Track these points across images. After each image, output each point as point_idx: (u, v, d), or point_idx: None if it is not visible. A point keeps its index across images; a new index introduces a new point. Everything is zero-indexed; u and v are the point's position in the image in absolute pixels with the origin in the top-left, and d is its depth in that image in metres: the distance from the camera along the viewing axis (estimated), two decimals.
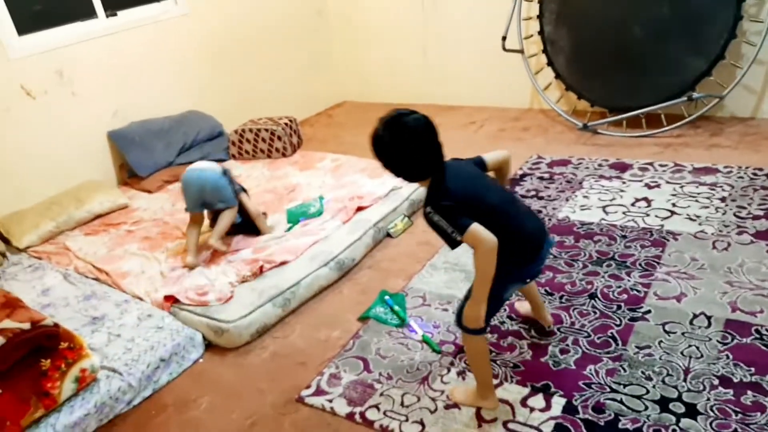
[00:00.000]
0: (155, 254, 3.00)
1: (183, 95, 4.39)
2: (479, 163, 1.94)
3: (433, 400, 2.05)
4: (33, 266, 3.10)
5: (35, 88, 3.58)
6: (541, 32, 4.31)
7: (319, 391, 2.18)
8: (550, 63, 4.33)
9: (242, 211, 3.02)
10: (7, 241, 3.34)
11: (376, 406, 2.06)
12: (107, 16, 3.96)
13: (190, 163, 4.07)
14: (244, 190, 3.08)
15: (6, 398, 2.01)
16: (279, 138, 4.17)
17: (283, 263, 2.77)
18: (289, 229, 3.10)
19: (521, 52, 4.46)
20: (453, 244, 1.76)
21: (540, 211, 3.19)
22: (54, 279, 2.92)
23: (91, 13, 3.88)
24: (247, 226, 3.08)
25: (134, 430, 2.17)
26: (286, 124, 4.25)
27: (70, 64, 3.72)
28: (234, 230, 3.06)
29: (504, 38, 4.43)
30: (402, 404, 2.06)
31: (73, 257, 3.12)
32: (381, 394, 2.11)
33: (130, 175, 4.05)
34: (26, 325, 2.08)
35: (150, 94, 4.19)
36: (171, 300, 2.62)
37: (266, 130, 4.18)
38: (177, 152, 4.07)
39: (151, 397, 2.30)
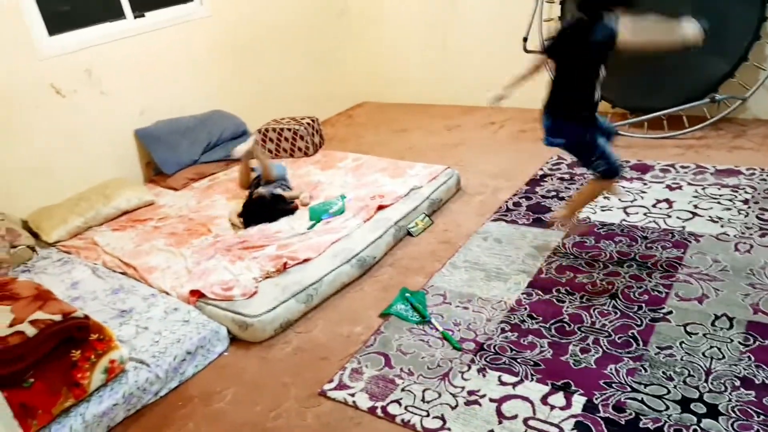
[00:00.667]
0: (181, 250, 3.07)
1: (208, 95, 4.47)
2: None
3: (454, 396, 2.08)
4: (62, 260, 3.18)
5: (65, 86, 3.67)
6: None
7: (341, 386, 2.21)
8: None
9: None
10: (36, 236, 3.42)
11: (398, 401, 2.10)
12: (135, 17, 4.04)
13: (215, 162, 4.17)
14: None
15: (38, 387, 2.07)
16: (301, 137, 4.22)
17: (306, 260, 2.81)
18: (312, 226, 3.14)
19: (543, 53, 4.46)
20: None
21: None
22: (83, 273, 3.00)
23: (119, 14, 3.97)
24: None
25: (161, 421, 2.23)
26: (308, 123, 4.30)
27: (98, 64, 3.81)
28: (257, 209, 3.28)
29: (525, 39, 4.44)
30: (423, 400, 2.09)
31: (101, 252, 3.20)
32: (402, 390, 2.15)
33: (156, 173, 4.13)
34: (57, 317, 2.14)
35: (176, 93, 4.27)
36: (197, 294, 2.68)
37: (289, 129, 4.24)
38: (202, 151, 4.15)
39: (178, 388, 2.36)
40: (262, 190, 3.39)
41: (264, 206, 3.27)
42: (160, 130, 4.04)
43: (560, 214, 2.85)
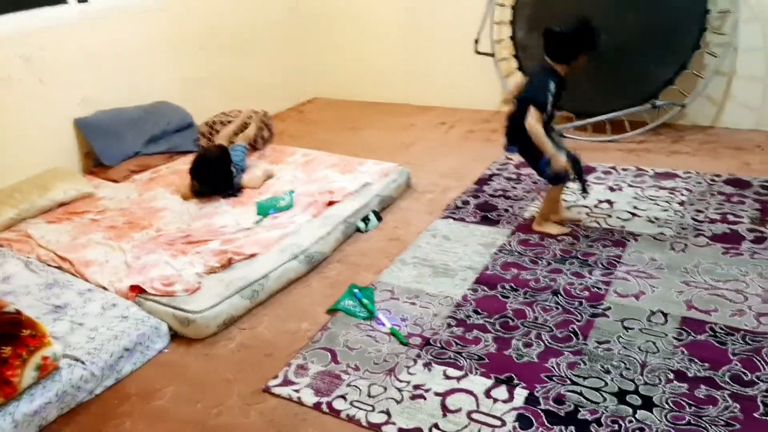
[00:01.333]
0: (121, 244, 2.96)
1: (154, 85, 4.33)
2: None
3: (399, 390, 2.08)
4: None
5: (1, 72, 3.49)
6: (512, 37, 4.39)
7: (286, 382, 2.18)
8: (520, 68, 4.41)
9: None
10: None
11: (343, 397, 2.08)
12: (78, 2, 3.88)
13: (159, 153, 4.06)
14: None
15: None
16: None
17: (252, 255, 2.76)
18: (259, 221, 3.09)
19: (492, 55, 4.53)
20: None
21: (507, 210, 3.25)
22: (15, 267, 2.85)
23: None
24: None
25: (96, 420, 2.14)
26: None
27: (38, 50, 3.63)
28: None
29: (476, 41, 4.50)
30: (369, 395, 2.08)
31: (35, 245, 3.05)
32: (348, 385, 2.13)
33: (95, 164, 3.97)
34: None
35: (120, 83, 4.12)
36: (136, 290, 2.59)
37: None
38: (145, 142, 4.02)
39: (114, 386, 2.27)
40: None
41: (215, 159, 3.39)
42: (101, 120, 3.89)
43: (537, 221, 3.05)
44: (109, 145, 3.86)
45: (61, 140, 3.86)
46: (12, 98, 3.56)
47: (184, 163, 3.96)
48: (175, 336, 2.51)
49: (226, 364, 2.34)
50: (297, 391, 2.13)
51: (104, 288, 2.65)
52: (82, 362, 2.20)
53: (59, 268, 2.85)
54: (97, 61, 3.96)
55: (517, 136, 2.77)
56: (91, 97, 3.95)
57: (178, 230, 3.07)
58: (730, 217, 2.96)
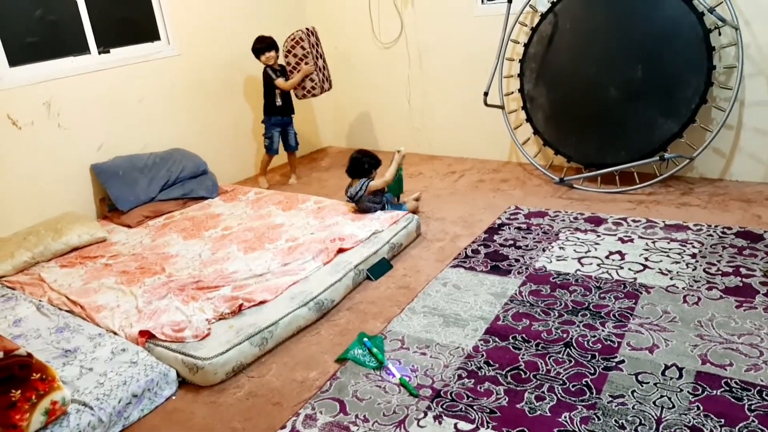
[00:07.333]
0: (132, 288, 2.98)
1: (170, 133, 4.44)
2: None
3: None
4: (5, 296, 3.04)
5: (22, 118, 3.59)
6: (521, 90, 4.48)
7: None
8: (529, 119, 4.48)
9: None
10: None
11: None
12: (99, 53, 4.02)
13: (173, 200, 4.11)
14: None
15: None
16: (311, 80, 4.61)
17: (262, 302, 2.76)
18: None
19: (502, 107, 4.62)
20: None
21: (517, 260, 3.25)
22: (27, 310, 2.87)
23: (84, 49, 3.95)
24: None
25: None
26: (320, 68, 4.68)
27: (58, 97, 3.75)
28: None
29: (486, 94, 4.59)
30: None
31: (48, 288, 3.07)
32: None
33: (110, 209, 4.03)
34: None
35: (137, 130, 4.23)
36: (146, 335, 2.59)
37: (306, 62, 4.59)
38: (160, 188, 4.08)
39: None
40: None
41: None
42: (117, 166, 3.97)
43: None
44: (123, 191, 3.93)
45: (78, 185, 3.94)
46: (33, 143, 3.66)
47: (198, 209, 4.03)
48: (183, 383, 2.50)
49: (234, 413, 2.31)
50: None
51: (114, 333, 2.65)
52: (91, 408, 2.19)
53: (70, 312, 2.87)
54: (115, 108, 4.08)
55: None
56: (109, 143, 4.05)
57: (190, 276, 3.08)
58: (743, 270, 2.95)
